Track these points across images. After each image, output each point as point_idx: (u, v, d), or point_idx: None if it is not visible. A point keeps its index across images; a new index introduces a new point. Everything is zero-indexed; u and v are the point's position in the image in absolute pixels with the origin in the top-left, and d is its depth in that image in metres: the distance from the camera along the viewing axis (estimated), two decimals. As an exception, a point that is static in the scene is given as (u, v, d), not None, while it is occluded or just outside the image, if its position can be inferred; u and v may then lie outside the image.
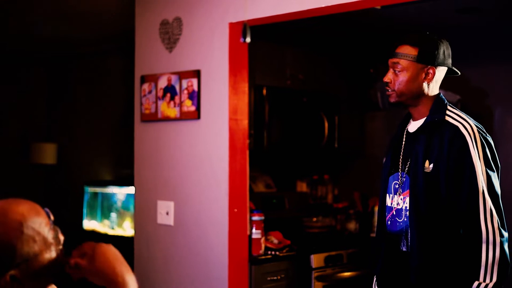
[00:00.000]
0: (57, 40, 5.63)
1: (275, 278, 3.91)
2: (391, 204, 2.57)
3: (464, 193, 2.35)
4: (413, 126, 2.57)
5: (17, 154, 6.30)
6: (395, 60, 2.51)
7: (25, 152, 6.24)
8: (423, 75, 2.50)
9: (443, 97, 2.57)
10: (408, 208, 2.47)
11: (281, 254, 3.97)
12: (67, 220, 6.20)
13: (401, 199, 2.52)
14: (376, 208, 4.84)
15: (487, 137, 2.43)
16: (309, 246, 4.24)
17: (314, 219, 4.98)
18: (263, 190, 4.89)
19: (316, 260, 4.13)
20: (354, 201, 5.15)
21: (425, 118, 2.51)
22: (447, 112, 2.48)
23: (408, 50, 2.50)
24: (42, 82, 6.54)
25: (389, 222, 2.57)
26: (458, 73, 2.62)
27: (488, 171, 2.36)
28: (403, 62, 2.50)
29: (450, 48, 2.56)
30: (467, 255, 2.33)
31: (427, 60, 2.49)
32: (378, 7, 3.68)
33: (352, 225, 4.99)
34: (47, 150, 6.19)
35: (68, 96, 6.43)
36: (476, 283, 2.29)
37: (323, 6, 3.19)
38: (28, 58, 6.34)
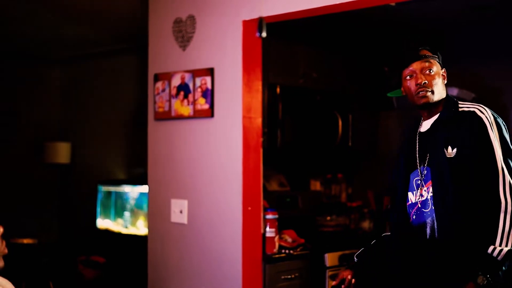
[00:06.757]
0: (71, 40, 5.65)
1: (289, 276, 3.89)
2: (415, 200, 2.67)
3: (486, 170, 2.49)
4: (425, 125, 2.70)
5: (32, 153, 6.33)
6: (427, 62, 2.62)
7: (39, 151, 6.27)
8: (443, 77, 2.68)
9: (452, 96, 2.73)
10: (433, 196, 2.58)
11: (295, 253, 3.95)
12: (81, 219, 6.25)
13: (424, 190, 2.63)
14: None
15: (498, 119, 2.59)
16: (323, 245, 4.22)
17: (328, 218, 4.96)
18: (276, 188, 4.88)
19: (330, 259, 4.11)
20: (368, 200, 5.13)
21: (439, 114, 2.65)
22: (460, 105, 2.64)
23: (431, 54, 2.64)
24: (56, 81, 6.57)
25: (414, 217, 2.67)
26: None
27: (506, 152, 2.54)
28: (434, 63, 2.64)
29: None
30: (486, 224, 2.46)
31: (442, 63, 2.69)
32: (393, 4, 3.66)
33: (366, 224, 4.97)
34: (61, 149, 6.22)
35: (82, 95, 6.45)
36: (491, 247, 2.42)
37: (337, 3, 3.17)
38: (42, 58, 6.37)
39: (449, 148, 2.54)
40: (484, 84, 4.65)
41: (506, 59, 4.63)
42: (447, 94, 2.69)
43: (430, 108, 2.66)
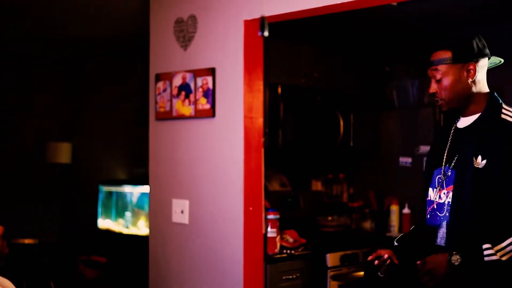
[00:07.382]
0: (72, 40, 5.64)
1: (290, 277, 3.89)
2: (433, 197, 2.57)
3: None
4: (463, 122, 2.56)
5: (33, 153, 6.33)
6: (433, 68, 2.52)
7: (40, 151, 6.26)
8: (465, 74, 2.50)
9: (497, 96, 2.56)
10: (450, 202, 2.47)
11: (296, 253, 3.95)
12: (82, 219, 6.25)
13: (443, 193, 2.52)
14: (392, 207, 4.85)
15: None
16: (324, 245, 4.22)
17: (329, 218, 4.96)
18: (278, 188, 4.88)
19: (331, 259, 4.11)
20: (369, 200, 5.13)
21: (479, 115, 2.50)
22: (503, 110, 2.48)
23: (443, 55, 2.50)
24: (57, 81, 6.56)
25: (428, 216, 2.58)
26: (500, 61, 2.66)
27: None
28: (441, 68, 2.50)
29: (483, 39, 2.57)
30: (504, 229, 2.31)
31: (464, 58, 2.50)
32: (394, 4, 3.65)
33: (367, 224, 4.98)
34: (62, 149, 6.22)
35: (83, 95, 6.45)
36: (488, 245, 2.29)
37: (339, 3, 3.17)
38: (43, 58, 6.37)
39: (479, 157, 2.39)
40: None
41: (506, 59, 4.61)
42: (492, 92, 2.55)
43: (461, 108, 2.53)
